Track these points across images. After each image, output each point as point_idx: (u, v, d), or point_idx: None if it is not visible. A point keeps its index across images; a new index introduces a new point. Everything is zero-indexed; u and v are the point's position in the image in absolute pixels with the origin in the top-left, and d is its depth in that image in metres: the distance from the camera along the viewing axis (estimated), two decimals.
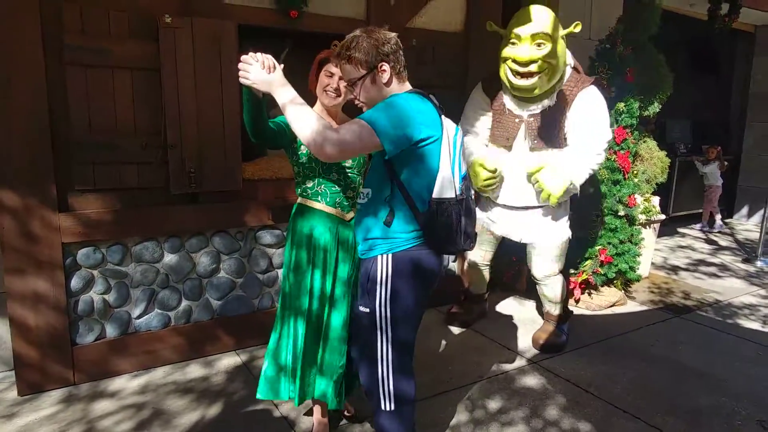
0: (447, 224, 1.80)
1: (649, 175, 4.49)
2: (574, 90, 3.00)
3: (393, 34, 1.83)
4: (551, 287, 3.27)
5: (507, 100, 3.09)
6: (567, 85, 3.01)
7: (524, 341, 3.40)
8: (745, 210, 7.50)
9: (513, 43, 2.89)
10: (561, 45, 2.88)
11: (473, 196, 1.97)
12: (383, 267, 1.83)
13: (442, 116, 1.86)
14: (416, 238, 1.83)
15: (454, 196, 1.82)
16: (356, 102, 1.90)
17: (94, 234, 2.76)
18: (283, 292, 2.25)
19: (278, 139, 2.06)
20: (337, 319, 2.20)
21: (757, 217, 7.27)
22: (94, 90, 2.69)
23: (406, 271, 1.83)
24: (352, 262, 2.21)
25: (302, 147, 2.13)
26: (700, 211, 6.95)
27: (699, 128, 7.64)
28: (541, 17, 2.84)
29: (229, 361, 3.08)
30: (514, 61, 2.86)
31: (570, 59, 3.05)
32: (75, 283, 2.77)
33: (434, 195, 1.79)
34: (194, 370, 2.98)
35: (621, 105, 3.93)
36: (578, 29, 2.87)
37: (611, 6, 4.90)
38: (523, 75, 2.86)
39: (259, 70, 1.74)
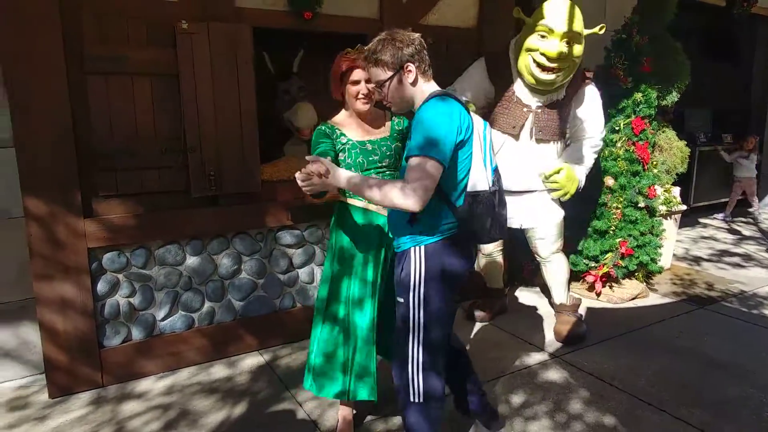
0: (482, 215, 1.87)
1: (668, 165, 4.43)
2: (578, 85, 3.08)
3: (417, 35, 1.88)
4: (556, 263, 3.38)
5: (518, 88, 3.11)
6: (574, 81, 3.09)
7: (545, 335, 3.39)
8: None
9: (543, 36, 2.88)
10: (583, 44, 2.94)
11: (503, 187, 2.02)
12: (416, 258, 1.88)
13: (470, 113, 1.92)
14: (449, 230, 1.88)
15: (487, 188, 1.89)
16: (385, 102, 1.96)
17: (118, 238, 2.81)
18: (329, 286, 2.29)
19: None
20: (362, 318, 2.24)
21: None
22: (114, 97, 2.75)
23: (438, 262, 1.87)
24: (384, 259, 2.28)
25: (340, 154, 2.20)
26: (723, 200, 6.84)
27: (719, 117, 7.51)
28: (574, 15, 2.87)
29: (252, 361, 3.12)
30: (542, 54, 2.86)
31: None
32: (101, 287, 2.83)
33: (469, 189, 1.86)
34: (218, 371, 3.02)
35: (638, 95, 3.89)
36: (602, 31, 2.91)
37: None
38: (547, 69, 2.88)
39: (318, 182, 1.78)
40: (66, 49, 2.60)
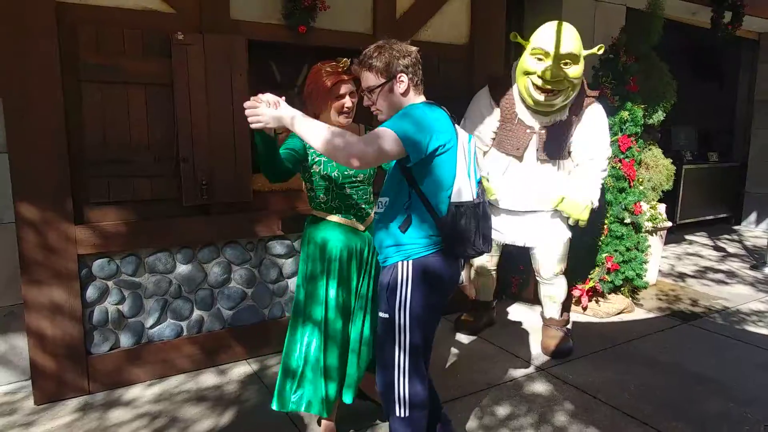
0: (466, 227, 1.87)
1: (654, 182, 4.52)
2: (582, 105, 3.09)
3: (414, 48, 1.92)
4: (557, 286, 3.37)
5: (520, 111, 3.15)
6: (577, 102, 3.09)
7: (532, 348, 3.43)
8: (753, 216, 7.49)
9: (540, 59, 2.92)
10: (582, 64, 2.95)
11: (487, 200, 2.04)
12: (403, 273, 1.89)
13: (455, 125, 1.96)
14: (435, 243, 1.90)
15: (471, 199, 1.90)
16: (372, 108, 1.97)
17: (108, 245, 2.83)
18: (297, 302, 2.29)
19: (294, 167, 2.11)
20: (354, 330, 2.25)
21: (765, 224, 7.26)
22: (109, 105, 2.77)
23: (426, 277, 1.89)
24: (369, 273, 2.26)
25: (314, 166, 2.16)
26: (709, 218, 6.94)
27: (705, 136, 7.66)
28: (570, 37, 2.88)
29: (240, 369, 3.13)
30: (539, 77, 2.89)
31: None
32: (90, 293, 2.84)
33: (452, 199, 1.87)
34: (207, 379, 3.02)
35: (625, 114, 3.97)
36: (601, 51, 2.93)
37: (614, 16, 4.96)
38: (546, 91, 2.92)
39: (268, 110, 1.79)
40: (62, 57, 2.63)
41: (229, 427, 2.57)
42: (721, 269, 5.41)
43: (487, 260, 3.55)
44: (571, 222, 3.15)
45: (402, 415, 1.95)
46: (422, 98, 1.97)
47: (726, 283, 4.94)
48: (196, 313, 3.13)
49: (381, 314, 1.96)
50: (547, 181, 3.18)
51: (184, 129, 2.91)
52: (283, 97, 1.85)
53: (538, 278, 3.41)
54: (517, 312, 4.11)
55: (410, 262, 1.88)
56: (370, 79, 1.91)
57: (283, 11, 3.14)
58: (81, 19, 2.68)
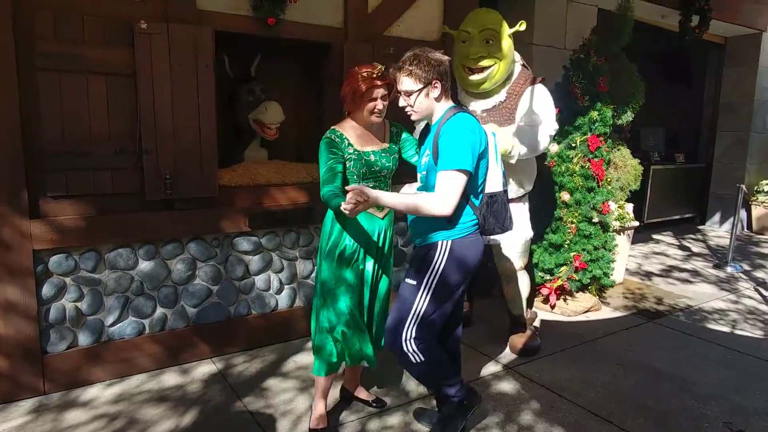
0: (499, 211, 2.22)
1: (622, 182, 4.58)
2: (524, 86, 3.13)
3: (446, 58, 2.18)
4: (519, 282, 3.40)
5: (462, 97, 3.22)
6: (517, 82, 3.14)
7: (500, 347, 3.43)
8: (717, 217, 7.68)
9: (463, 42, 3.05)
10: (508, 42, 3.02)
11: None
12: (442, 251, 2.17)
13: (482, 126, 2.22)
14: (472, 226, 2.21)
15: (500, 189, 2.24)
16: (407, 109, 2.23)
17: (66, 241, 2.73)
18: (323, 281, 2.41)
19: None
20: (376, 300, 2.49)
21: (728, 224, 7.45)
22: (67, 95, 2.67)
23: (461, 255, 2.18)
24: (380, 256, 2.45)
25: (347, 162, 2.34)
26: (675, 217, 7.08)
27: (672, 137, 7.81)
28: (488, 16, 3.05)
29: (205, 368, 3.06)
30: (465, 57, 3.00)
31: (518, 58, 3.19)
32: (46, 290, 2.73)
33: (487, 190, 2.21)
34: (170, 378, 2.95)
35: (594, 113, 4.00)
36: (523, 27, 2.99)
37: (586, 17, 5.01)
38: (473, 70, 3.01)
39: (363, 207, 2.00)
40: (16, 44, 2.51)
41: (190, 427, 2.51)
42: (686, 268, 5.53)
43: None
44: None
45: (417, 360, 2.21)
46: (450, 103, 2.22)
47: (690, 282, 5.04)
48: (159, 310, 3.05)
49: (408, 280, 2.24)
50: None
51: (147, 121, 2.82)
52: (371, 190, 2.04)
53: (501, 276, 3.43)
54: (484, 310, 4.11)
55: (450, 242, 2.17)
56: (407, 83, 2.15)
57: (252, 2, 3.07)
58: (38, 4, 2.57)
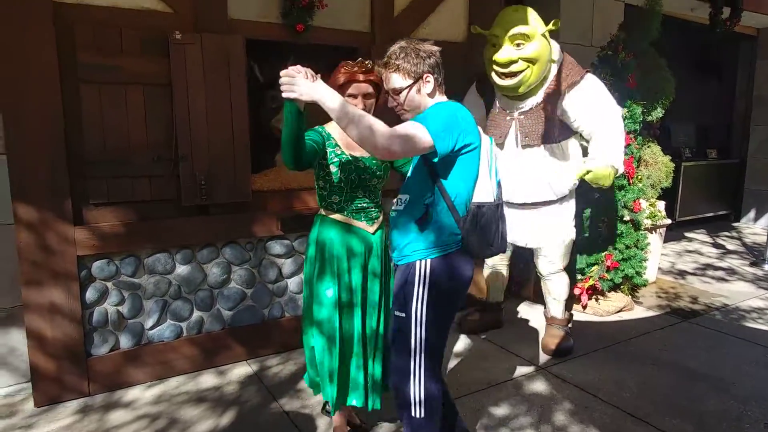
0: (486, 227, 1.88)
1: (653, 179, 4.52)
2: (565, 83, 3.03)
3: (437, 48, 1.93)
4: (556, 282, 3.36)
5: (498, 99, 3.20)
6: (554, 82, 3.05)
7: (533, 348, 3.43)
8: (752, 213, 7.49)
9: (494, 45, 2.99)
10: (542, 42, 2.91)
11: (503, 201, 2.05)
12: (421, 272, 1.88)
13: (478, 127, 1.96)
14: (455, 243, 1.89)
15: (492, 200, 1.91)
16: (398, 109, 1.97)
17: (108, 246, 2.82)
18: (303, 301, 2.29)
19: (313, 157, 2.06)
20: (355, 332, 2.23)
21: (764, 220, 7.27)
22: (107, 106, 2.76)
23: (444, 277, 1.88)
24: (377, 275, 2.24)
25: (331, 166, 2.14)
26: (708, 215, 6.93)
27: (703, 132, 7.65)
28: (519, 17, 2.92)
29: (240, 370, 3.13)
30: (495, 63, 2.95)
31: (557, 54, 3.07)
32: (90, 294, 2.83)
33: (474, 200, 1.89)
34: (207, 380, 3.02)
35: (624, 111, 3.96)
36: (556, 26, 2.90)
37: (612, 13, 4.94)
38: (505, 75, 2.96)
39: (305, 81, 1.72)
40: (59, 57, 2.62)
41: (229, 428, 2.57)
42: (721, 266, 5.41)
43: (499, 258, 3.54)
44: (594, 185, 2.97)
45: (417, 415, 1.93)
46: (445, 98, 1.98)
47: (726, 280, 4.94)
48: (196, 313, 3.12)
49: (396, 313, 1.95)
50: (535, 167, 3.10)
51: (183, 129, 2.90)
52: (319, 75, 1.78)
53: (539, 275, 3.42)
54: (519, 311, 4.11)
55: (428, 261, 1.88)
56: (396, 80, 1.91)
57: (281, 10, 3.13)
58: (78, 18, 2.67)
